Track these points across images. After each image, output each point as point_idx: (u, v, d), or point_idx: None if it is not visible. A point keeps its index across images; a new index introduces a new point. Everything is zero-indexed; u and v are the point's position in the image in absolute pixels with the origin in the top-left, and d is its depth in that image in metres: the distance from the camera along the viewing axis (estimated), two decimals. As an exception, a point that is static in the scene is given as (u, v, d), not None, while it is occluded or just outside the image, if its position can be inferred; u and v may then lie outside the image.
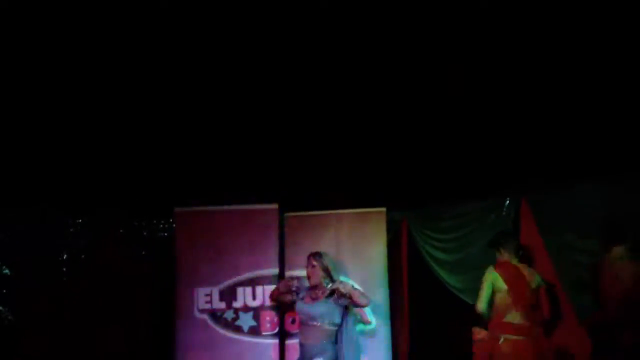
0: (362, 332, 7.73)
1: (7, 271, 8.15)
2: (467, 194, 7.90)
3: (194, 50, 7.65)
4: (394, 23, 7.42)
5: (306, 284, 7.65)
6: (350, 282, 7.76)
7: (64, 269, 8.20)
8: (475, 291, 7.66)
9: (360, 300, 7.35)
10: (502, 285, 7.38)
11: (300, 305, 7.57)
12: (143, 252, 8.27)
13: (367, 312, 7.79)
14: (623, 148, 7.35)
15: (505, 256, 7.48)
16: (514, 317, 7.32)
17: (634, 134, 7.32)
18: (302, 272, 7.79)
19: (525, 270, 7.44)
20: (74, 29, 7.43)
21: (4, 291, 8.17)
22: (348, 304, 7.41)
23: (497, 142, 7.78)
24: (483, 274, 7.48)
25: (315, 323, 7.40)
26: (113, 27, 7.35)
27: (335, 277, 7.55)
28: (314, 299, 7.52)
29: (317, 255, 7.58)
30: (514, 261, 7.46)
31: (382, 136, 8.08)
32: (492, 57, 7.48)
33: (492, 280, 7.43)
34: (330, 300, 7.40)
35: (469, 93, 7.75)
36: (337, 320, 7.44)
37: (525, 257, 7.58)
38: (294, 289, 7.62)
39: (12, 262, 8.18)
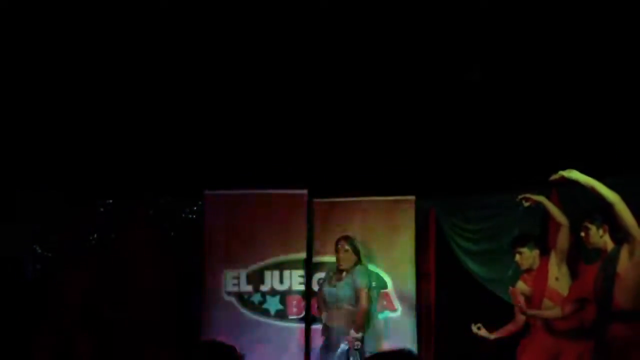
0: (387, 319, 7.72)
1: (39, 250, 8.26)
2: (497, 185, 7.83)
3: (228, 33, 7.67)
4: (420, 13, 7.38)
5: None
6: (375, 269, 7.78)
7: (94, 249, 8.29)
8: (503, 282, 7.60)
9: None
10: (528, 291, 7.28)
11: (324, 288, 7.59)
12: (172, 234, 8.33)
13: (393, 298, 7.79)
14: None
15: (527, 259, 7.32)
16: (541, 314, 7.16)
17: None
18: (329, 259, 7.83)
19: (548, 262, 7.22)
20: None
21: (38, 267, 8.30)
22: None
23: (527, 132, 7.70)
24: (511, 265, 7.41)
25: (339, 305, 7.41)
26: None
27: (363, 261, 7.55)
28: (338, 281, 7.53)
29: (348, 239, 7.57)
30: (537, 260, 7.32)
31: (413, 124, 8.03)
32: (521, 46, 7.40)
33: (521, 291, 7.33)
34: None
35: (499, 83, 7.68)
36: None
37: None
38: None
39: (45, 242, 8.29)
